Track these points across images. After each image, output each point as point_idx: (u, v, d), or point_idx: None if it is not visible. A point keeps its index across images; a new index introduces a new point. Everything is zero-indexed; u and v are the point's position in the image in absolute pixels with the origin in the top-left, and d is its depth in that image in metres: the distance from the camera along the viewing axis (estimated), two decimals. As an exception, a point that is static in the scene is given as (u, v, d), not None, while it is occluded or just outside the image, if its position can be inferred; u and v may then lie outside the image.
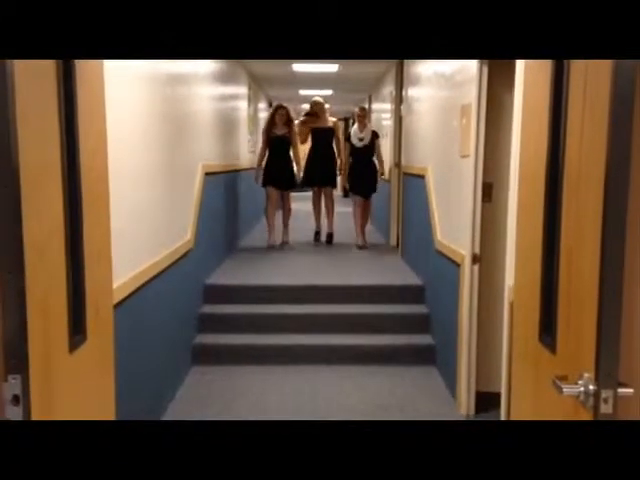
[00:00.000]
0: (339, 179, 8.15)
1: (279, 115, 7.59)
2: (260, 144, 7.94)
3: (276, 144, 7.61)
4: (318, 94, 12.07)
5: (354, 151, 7.72)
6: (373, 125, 8.71)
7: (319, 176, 7.91)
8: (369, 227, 8.47)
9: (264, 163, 7.66)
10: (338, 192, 8.35)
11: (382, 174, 7.88)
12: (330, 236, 7.99)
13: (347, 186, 8.00)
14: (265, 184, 7.72)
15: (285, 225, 7.89)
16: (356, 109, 7.99)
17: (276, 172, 7.60)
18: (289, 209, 7.91)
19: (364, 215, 7.83)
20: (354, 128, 7.82)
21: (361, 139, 7.69)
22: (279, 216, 7.76)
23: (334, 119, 8.24)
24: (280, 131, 7.60)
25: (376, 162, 7.78)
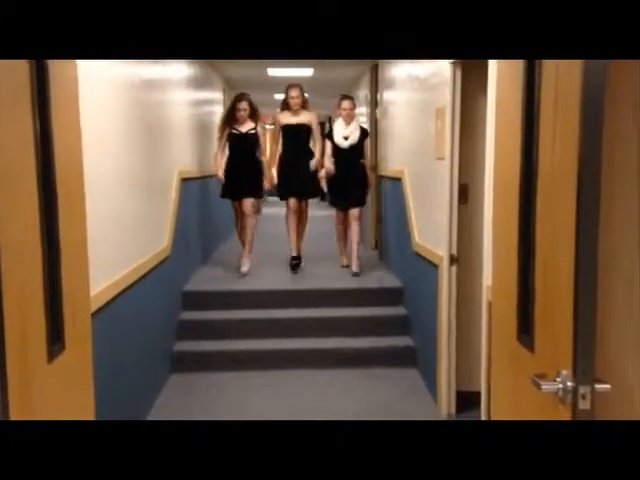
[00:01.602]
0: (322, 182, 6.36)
1: (242, 106, 6.02)
2: (215, 147, 6.36)
3: (237, 144, 6.07)
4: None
5: (337, 153, 6.08)
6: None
7: (296, 185, 6.21)
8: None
9: (223, 169, 6.14)
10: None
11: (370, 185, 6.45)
12: (298, 259, 6.34)
13: (327, 195, 6.52)
14: (225, 195, 6.28)
15: (245, 243, 6.25)
16: (340, 100, 6.19)
17: (238, 179, 6.08)
18: (252, 225, 6.22)
19: (356, 232, 6.15)
20: (337, 123, 6.17)
21: (346, 137, 6.05)
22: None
23: (313, 112, 6.35)
24: (244, 127, 6.08)
25: (366, 166, 6.29)
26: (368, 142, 6.35)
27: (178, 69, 5.58)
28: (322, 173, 6.18)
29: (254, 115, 6.15)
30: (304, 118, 6.21)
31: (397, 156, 5.87)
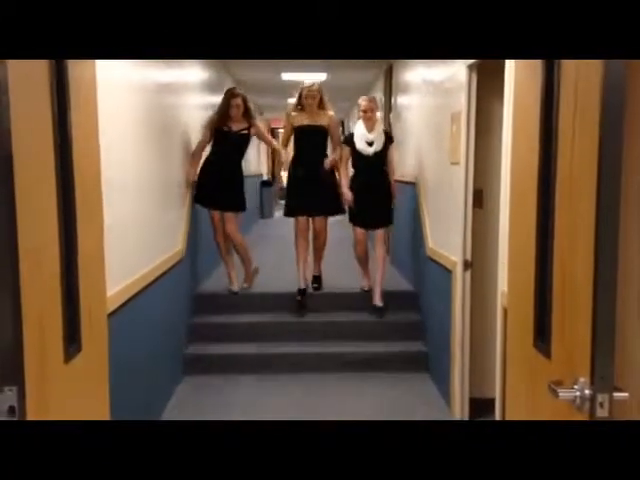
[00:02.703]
0: (345, 192, 5.25)
1: (235, 102, 5.28)
2: (200, 140, 5.36)
3: (224, 144, 5.26)
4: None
5: (359, 161, 5.21)
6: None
7: (307, 199, 5.26)
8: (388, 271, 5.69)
9: (199, 168, 5.28)
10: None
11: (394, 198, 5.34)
12: (318, 279, 5.57)
13: (348, 209, 5.40)
14: (200, 200, 5.30)
15: (229, 264, 5.53)
16: (360, 100, 5.34)
17: (218, 183, 5.22)
18: (240, 243, 5.48)
19: (382, 258, 5.26)
20: (358, 126, 5.28)
21: (370, 143, 5.15)
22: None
23: (331, 113, 5.46)
24: (236, 126, 5.31)
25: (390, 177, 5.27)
26: (394, 149, 5.40)
27: (192, 73, 5.61)
28: (345, 191, 5.22)
29: (248, 114, 5.39)
30: (321, 119, 5.35)
31: (411, 160, 5.86)
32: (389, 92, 7.49)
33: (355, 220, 5.27)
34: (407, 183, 5.90)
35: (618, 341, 1.44)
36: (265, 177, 14.99)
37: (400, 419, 4.08)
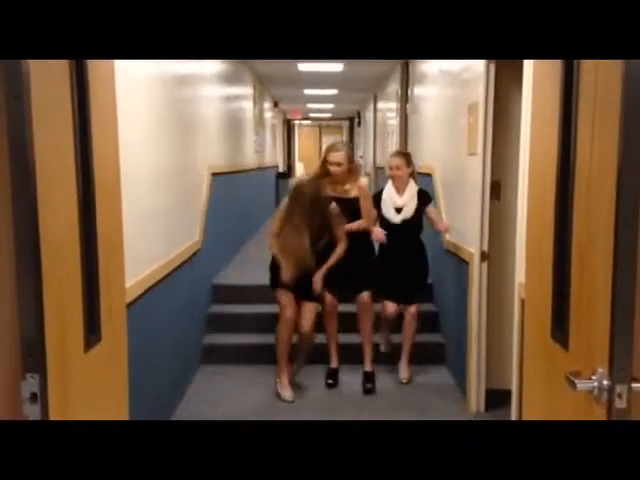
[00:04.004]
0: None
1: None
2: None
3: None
4: (323, 93, 12.13)
5: (387, 228, 4.40)
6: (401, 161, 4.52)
7: (341, 277, 4.31)
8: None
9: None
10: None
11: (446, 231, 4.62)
12: (371, 378, 4.49)
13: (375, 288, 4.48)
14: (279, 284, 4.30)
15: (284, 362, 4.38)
16: (390, 157, 4.60)
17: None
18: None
19: (412, 329, 4.53)
20: (387, 189, 4.48)
21: (399, 209, 4.39)
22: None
23: (364, 181, 4.59)
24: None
25: (422, 242, 4.54)
26: (432, 208, 4.56)
27: (209, 64, 5.62)
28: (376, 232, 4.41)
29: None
30: (351, 190, 4.37)
31: (428, 152, 5.83)
32: (406, 83, 7.46)
33: (382, 292, 4.46)
34: (424, 174, 5.88)
35: (637, 332, 1.43)
36: (281, 169, 15.01)
37: (415, 410, 4.09)
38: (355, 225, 4.35)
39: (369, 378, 4.48)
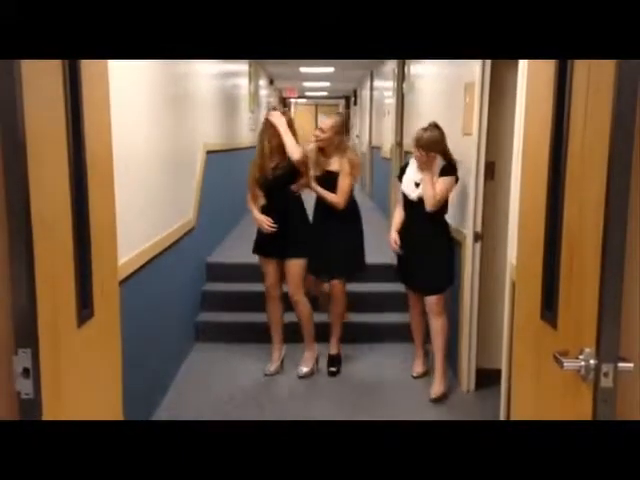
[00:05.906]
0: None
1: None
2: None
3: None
4: (319, 71, 12.03)
5: (406, 206, 4.07)
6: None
7: (321, 259, 4.25)
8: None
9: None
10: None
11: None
12: (337, 360, 4.48)
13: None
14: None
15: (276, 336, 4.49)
16: (417, 135, 3.93)
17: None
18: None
19: (439, 334, 3.98)
20: (411, 164, 4.05)
21: (418, 184, 3.93)
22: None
23: (352, 158, 4.26)
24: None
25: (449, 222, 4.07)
26: (450, 181, 3.87)
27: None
28: (391, 234, 4.12)
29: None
30: (333, 163, 4.21)
31: (423, 131, 5.80)
32: (402, 62, 7.41)
33: (404, 279, 4.25)
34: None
35: (624, 312, 1.45)
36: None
37: (406, 388, 4.13)
38: (323, 192, 4.20)
39: (334, 361, 4.48)
